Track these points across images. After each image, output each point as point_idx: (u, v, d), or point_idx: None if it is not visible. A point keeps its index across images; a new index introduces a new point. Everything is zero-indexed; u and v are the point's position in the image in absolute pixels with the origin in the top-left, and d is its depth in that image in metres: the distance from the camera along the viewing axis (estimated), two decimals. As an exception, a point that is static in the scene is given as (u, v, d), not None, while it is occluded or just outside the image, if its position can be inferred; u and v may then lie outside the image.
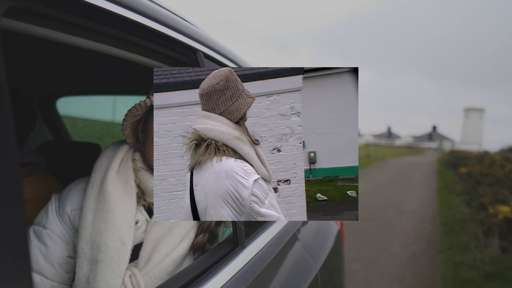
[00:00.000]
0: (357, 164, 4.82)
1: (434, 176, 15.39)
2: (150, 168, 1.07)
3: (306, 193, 2.94)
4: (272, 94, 2.88)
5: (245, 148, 0.88)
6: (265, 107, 2.88)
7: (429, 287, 4.17)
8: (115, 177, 1.03)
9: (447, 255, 5.18)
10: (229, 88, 0.90)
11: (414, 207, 8.54)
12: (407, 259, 4.98)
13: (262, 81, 2.85)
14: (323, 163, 5.12)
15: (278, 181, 2.91)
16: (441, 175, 15.62)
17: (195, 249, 1.06)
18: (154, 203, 1.05)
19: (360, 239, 5.69)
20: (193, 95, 2.78)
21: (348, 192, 4.32)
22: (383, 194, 10.07)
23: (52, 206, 1.06)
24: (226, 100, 0.90)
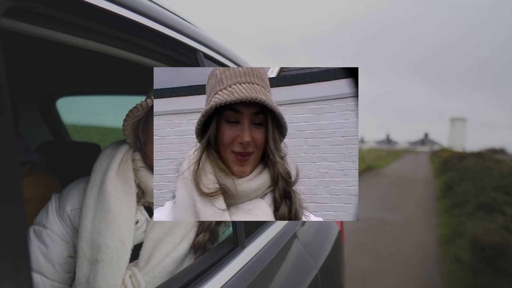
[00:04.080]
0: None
1: (429, 158, 37.55)
2: (150, 168, 1.07)
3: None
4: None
5: None
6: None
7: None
8: (115, 177, 1.03)
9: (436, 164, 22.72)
10: None
11: (423, 164, 26.71)
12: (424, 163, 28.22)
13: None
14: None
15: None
16: (431, 159, 33.91)
17: (196, 248, 1.06)
18: None
19: (414, 163, 28.09)
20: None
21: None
22: (414, 161, 30.49)
23: (52, 206, 1.06)
24: None
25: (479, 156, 16.56)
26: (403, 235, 5.79)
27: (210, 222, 1.09)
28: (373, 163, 21.76)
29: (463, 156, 17.65)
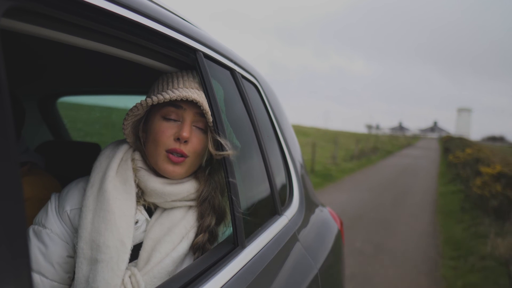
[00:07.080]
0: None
1: (437, 141, 67.60)
2: (150, 168, 1.07)
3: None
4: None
5: None
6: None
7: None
8: (115, 177, 1.03)
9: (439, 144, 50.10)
10: None
11: (434, 142, 62.35)
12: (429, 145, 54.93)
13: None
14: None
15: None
16: (439, 140, 64.07)
17: (195, 248, 1.06)
18: None
19: (429, 142, 62.69)
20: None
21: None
22: (429, 142, 65.27)
23: (51, 206, 1.06)
24: None
25: (458, 138, 41.91)
26: (431, 158, 24.79)
27: (210, 222, 1.09)
28: (410, 142, 50.86)
29: (452, 138, 43.35)
